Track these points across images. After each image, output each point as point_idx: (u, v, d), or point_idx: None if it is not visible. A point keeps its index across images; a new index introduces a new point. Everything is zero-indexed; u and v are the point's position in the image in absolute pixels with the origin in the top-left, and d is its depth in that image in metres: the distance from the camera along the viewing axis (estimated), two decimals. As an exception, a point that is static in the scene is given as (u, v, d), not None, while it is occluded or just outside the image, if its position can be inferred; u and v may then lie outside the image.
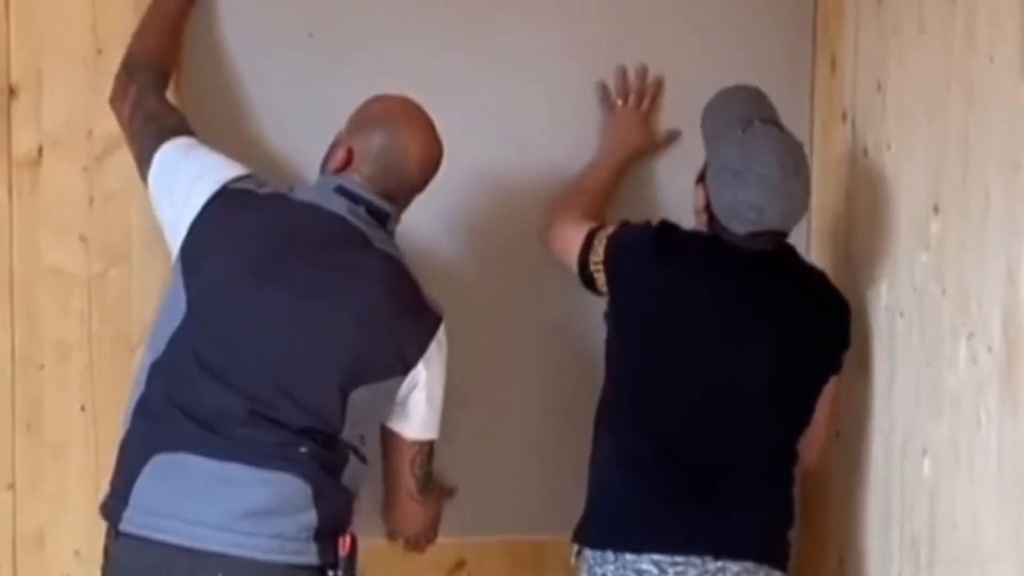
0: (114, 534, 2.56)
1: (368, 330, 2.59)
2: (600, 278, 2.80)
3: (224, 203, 2.63)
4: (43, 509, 2.99)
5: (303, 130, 2.91)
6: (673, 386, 2.74)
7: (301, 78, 2.98)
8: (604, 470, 2.78)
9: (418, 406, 2.67)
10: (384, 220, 2.67)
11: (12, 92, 2.91)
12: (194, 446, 2.52)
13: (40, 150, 2.93)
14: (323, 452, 2.56)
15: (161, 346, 2.60)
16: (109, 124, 2.92)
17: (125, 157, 2.93)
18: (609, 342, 2.82)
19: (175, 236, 2.66)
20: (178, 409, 2.54)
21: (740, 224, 2.68)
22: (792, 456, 2.83)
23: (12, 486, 2.98)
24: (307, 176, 2.83)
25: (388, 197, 2.66)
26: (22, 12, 2.90)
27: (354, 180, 2.65)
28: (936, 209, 2.63)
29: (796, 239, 3.14)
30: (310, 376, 2.57)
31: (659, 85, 3.10)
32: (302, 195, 2.68)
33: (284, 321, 2.57)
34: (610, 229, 2.83)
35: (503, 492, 3.10)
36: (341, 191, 2.65)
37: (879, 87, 2.88)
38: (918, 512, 2.70)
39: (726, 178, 2.67)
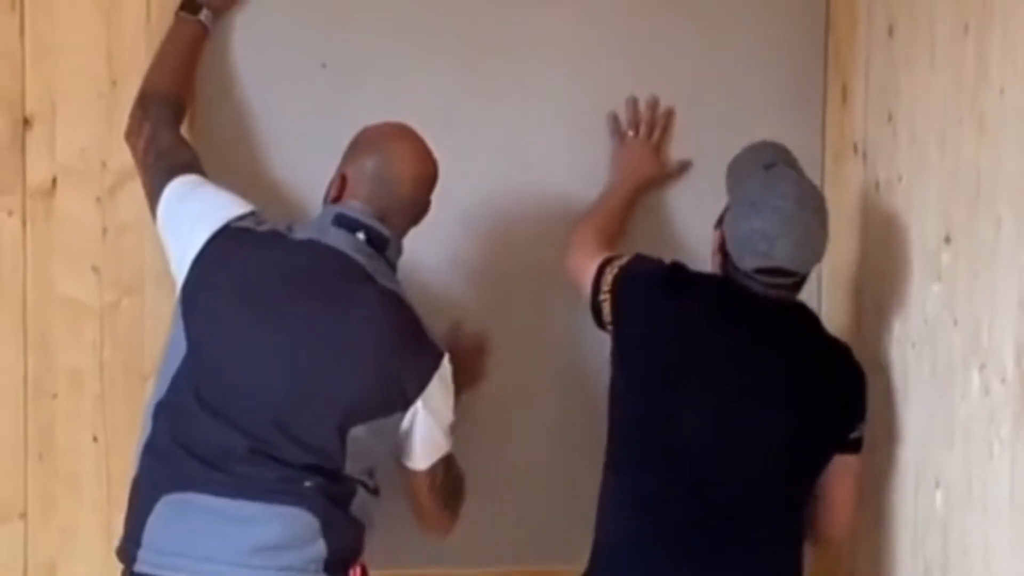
0: None
1: (366, 368, 2.58)
2: (606, 307, 2.78)
3: (224, 242, 2.64)
4: (55, 539, 2.99)
5: (315, 159, 2.90)
6: (680, 431, 2.69)
7: (314, 107, 2.99)
8: (612, 518, 2.75)
9: (423, 440, 2.66)
10: (384, 247, 2.66)
11: (27, 123, 2.92)
12: (201, 485, 2.54)
13: (54, 181, 2.95)
14: (329, 486, 2.57)
15: (164, 386, 2.62)
16: (123, 156, 2.94)
17: (138, 189, 2.93)
18: (613, 381, 2.78)
19: (178, 274, 2.67)
20: (183, 448, 2.57)
21: (751, 257, 2.64)
22: (799, 515, 2.78)
23: (24, 516, 2.98)
24: (318, 202, 2.84)
25: (386, 220, 2.65)
26: (37, 44, 2.92)
27: (351, 205, 2.65)
28: (948, 240, 2.63)
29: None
30: (307, 415, 2.57)
31: (670, 116, 3.11)
32: (301, 232, 2.67)
33: (281, 360, 2.57)
34: (623, 259, 2.81)
35: (509, 523, 3.10)
36: (340, 220, 2.64)
37: (890, 119, 2.89)
38: (931, 542, 2.70)
39: (743, 210, 2.65)
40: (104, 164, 2.96)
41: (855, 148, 3.04)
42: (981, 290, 2.51)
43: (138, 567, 2.55)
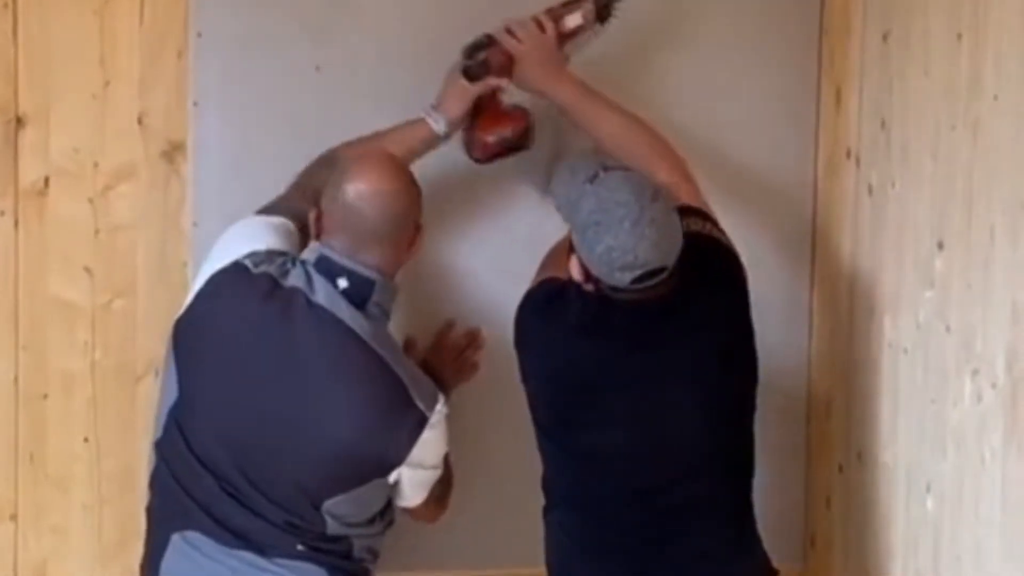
0: None
1: (337, 444, 2.52)
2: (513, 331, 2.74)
3: (217, 286, 2.57)
4: (45, 541, 2.98)
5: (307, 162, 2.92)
6: (599, 452, 2.64)
7: (308, 112, 2.99)
8: (559, 527, 2.73)
9: (413, 487, 2.63)
10: (368, 294, 2.56)
11: (20, 123, 2.92)
12: (205, 527, 2.54)
13: (47, 181, 2.94)
14: (319, 544, 2.56)
15: (161, 425, 2.61)
16: (116, 156, 2.94)
17: (131, 189, 2.95)
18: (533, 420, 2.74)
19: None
20: (182, 489, 2.57)
21: (621, 273, 2.52)
22: (745, 483, 2.72)
23: (14, 517, 2.97)
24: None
25: (365, 254, 2.56)
26: (31, 44, 2.91)
27: (332, 245, 2.57)
28: (941, 246, 2.64)
29: (800, 276, 3.18)
30: (278, 483, 2.54)
31: None
32: (293, 277, 2.56)
33: (249, 424, 2.55)
34: (532, 286, 2.75)
35: (499, 525, 3.08)
36: (320, 265, 2.56)
37: (884, 125, 2.89)
38: (922, 549, 2.70)
39: (590, 233, 2.52)
40: (97, 165, 2.95)
41: (848, 153, 3.05)
42: (974, 297, 2.51)
43: None
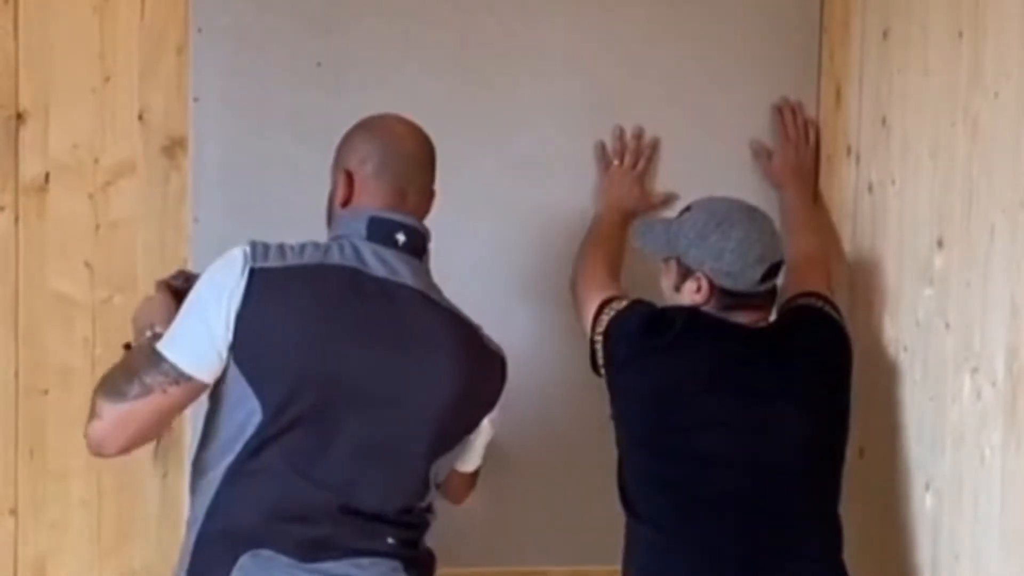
0: None
1: (451, 402, 2.47)
2: (599, 350, 2.76)
3: (261, 292, 2.37)
4: (44, 536, 2.99)
5: (309, 157, 2.91)
6: (697, 471, 2.65)
7: (308, 107, 2.99)
8: (655, 569, 2.70)
9: (482, 445, 2.62)
10: (424, 244, 2.49)
11: (20, 118, 2.93)
12: (277, 546, 2.38)
13: (47, 177, 2.95)
14: (407, 533, 2.48)
15: (233, 451, 2.41)
16: (116, 152, 2.95)
17: (131, 185, 2.96)
18: (617, 434, 2.74)
19: (221, 341, 2.39)
20: (259, 511, 2.40)
21: (754, 269, 2.64)
22: (836, 510, 2.75)
23: (14, 512, 2.98)
24: (312, 203, 2.83)
25: (408, 199, 2.48)
26: (31, 39, 2.92)
27: (372, 206, 2.46)
28: (940, 244, 2.64)
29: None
30: (398, 459, 2.45)
31: (654, 146, 3.10)
32: (337, 258, 2.42)
33: (369, 418, 2.42)
34: (621, 304, 2.77)
35: (522, 524, 3.11)
36: (373, 227, 2.44)
37: (884, 122, 2.89)
38: (921, 546, 2.70)
39: (714, 238, 2.65)
40: (97, 160, 2.96)
41: (848, 151, 3.05)
42: (973, 294, 2.51)
43: None
